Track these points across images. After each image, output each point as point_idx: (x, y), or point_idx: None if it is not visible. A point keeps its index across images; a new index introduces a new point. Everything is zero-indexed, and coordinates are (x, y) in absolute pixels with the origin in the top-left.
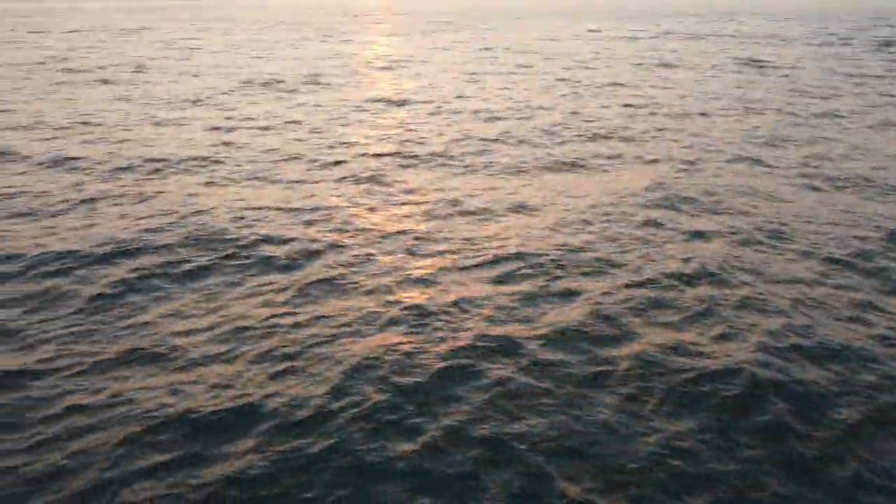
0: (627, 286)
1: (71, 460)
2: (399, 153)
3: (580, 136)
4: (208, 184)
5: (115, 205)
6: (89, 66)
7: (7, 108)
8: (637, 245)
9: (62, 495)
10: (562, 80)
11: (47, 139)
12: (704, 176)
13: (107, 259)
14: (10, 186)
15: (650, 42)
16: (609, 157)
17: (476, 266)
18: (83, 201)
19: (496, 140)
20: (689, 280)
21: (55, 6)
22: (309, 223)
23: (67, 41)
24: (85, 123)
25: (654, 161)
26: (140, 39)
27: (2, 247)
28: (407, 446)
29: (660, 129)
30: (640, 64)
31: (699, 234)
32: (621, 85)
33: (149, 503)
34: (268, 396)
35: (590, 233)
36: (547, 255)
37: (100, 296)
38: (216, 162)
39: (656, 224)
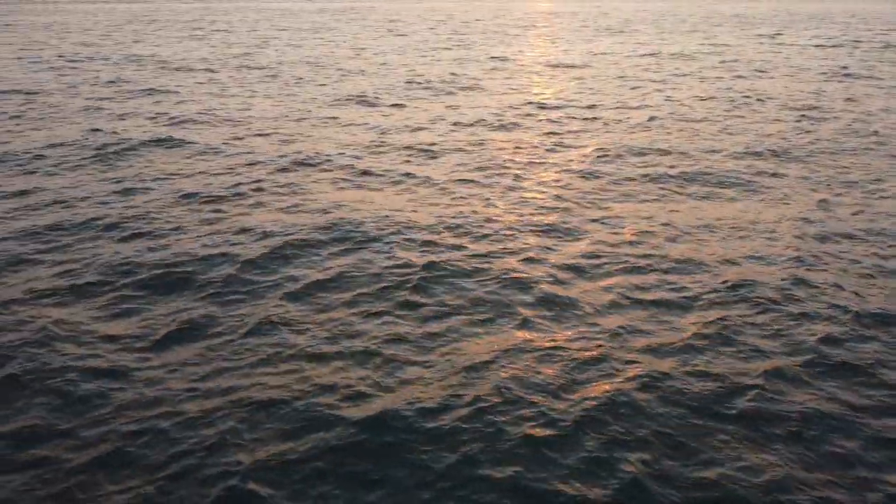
0: (775, 317)
1: (202, 417)
2: (546, 161)
3: (742, 150)
4: (354, 180)
5: (268, 194)
6: (265, 63)
7: (185, 101)
8: (791, 271)
9: (192, 446)
10: (728, 88)
11: (218, 132)
12: (880, 203)
13: (250, 243)
14: (178, 171)
15: (832, 51)
16: (772, 175)
17: (607, 280)
18: (239, 185)
19: (650, 150)
20: (861, 321)
21: (245, 5)
22: (447, 227)
23: (250, 39)
24: (252, 118)
25: (823, 182)
26: (314, 39)
27: (165, 226)
28: (515, 448)
29: (832, 146)
30: (818, 74)
31: (866, 268)
32: (793, 97)
33: (258, 472)
34: (381, 386)
35: (738, 257)
36: (687, 276)
37: (241, 273)
38: (365, 159)
39: (819, 254)
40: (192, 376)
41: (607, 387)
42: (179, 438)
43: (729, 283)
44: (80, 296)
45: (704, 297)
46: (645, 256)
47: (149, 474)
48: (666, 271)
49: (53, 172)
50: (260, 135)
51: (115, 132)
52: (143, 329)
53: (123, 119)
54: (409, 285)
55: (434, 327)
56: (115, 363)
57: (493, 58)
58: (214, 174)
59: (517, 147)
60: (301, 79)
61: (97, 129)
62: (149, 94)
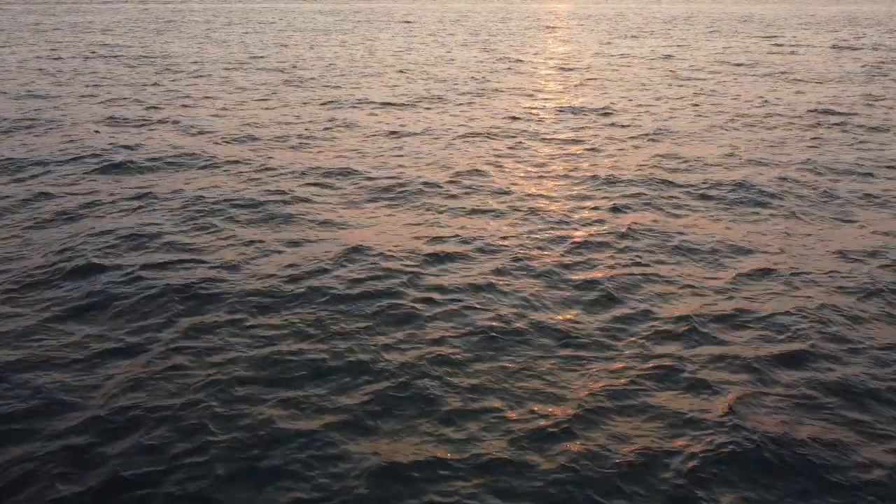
0: (769, 328)
1: (192, 407)
2: (556, 165)
3: (756, 158)
4: (361, 185)
5: (275, 200)
6: (282, 67)
7: (197, 104)
8: (788, 284)
9: (179, 439)
10: (745, 93)
11: (230, 136)
12: (892, 220)
13: (255, 244)
14: (186, 178)
15: (851, 54)
16: (786, 185)
17: (607, 281)
18: (246, 190)
19: (663, 157)
20: (853, 336)
21: (261, 6)
22: (449, 230)
23: (266, 40)
24: (262, 121)
25: (834, 194)
26: (331, 40)
27: (169, 231)
28: (508, 446)
29: (846, 154)
30: (836, 78)
31: (864, 285)
32: (810, 102)
33: (245, 465)
34: (373, 382)
35: (737, 267)
36: (685, 282)
37: (242, 274)
38: (374, 163)
39: (819, 269)
40: (183, 375)
41: (599, 385)
42: (169, 433)
43: (724, 295)
44: (80, 297)
45: (699, 305)
46: (645, 261)
47: (133, 467)
48: (663, 276)
49: (62, 176)
50: (271, 140)
51: (127, 136)
52: (141, 328)
53: (136, 123)
54: (405, 284)
55: (430, 325)
56: (110, 360)
57: (508, 59)
58: (223, 180)
59: (527, 150)
60: (314, 80)
61: (109, 134)
62: (162, 96)
